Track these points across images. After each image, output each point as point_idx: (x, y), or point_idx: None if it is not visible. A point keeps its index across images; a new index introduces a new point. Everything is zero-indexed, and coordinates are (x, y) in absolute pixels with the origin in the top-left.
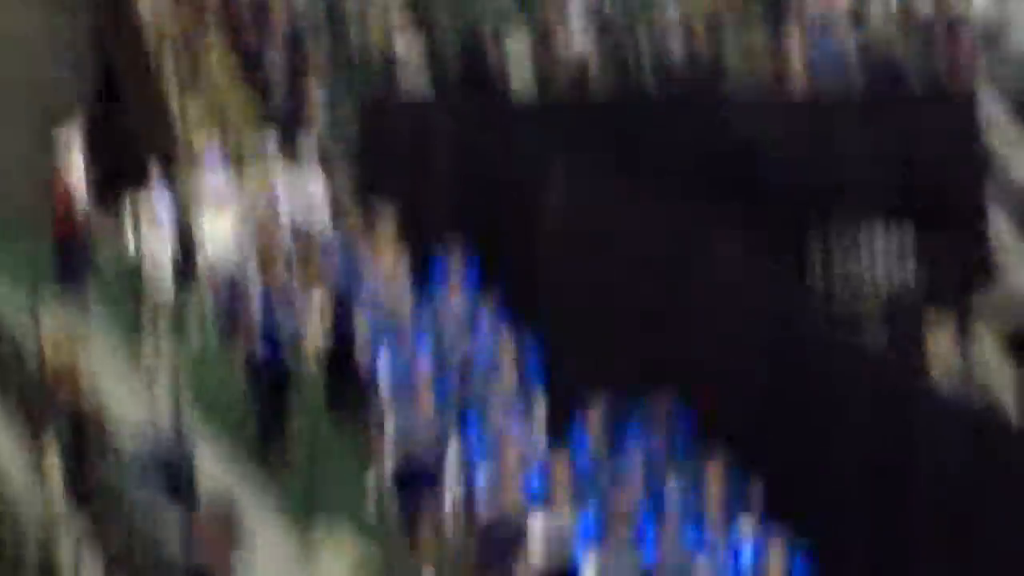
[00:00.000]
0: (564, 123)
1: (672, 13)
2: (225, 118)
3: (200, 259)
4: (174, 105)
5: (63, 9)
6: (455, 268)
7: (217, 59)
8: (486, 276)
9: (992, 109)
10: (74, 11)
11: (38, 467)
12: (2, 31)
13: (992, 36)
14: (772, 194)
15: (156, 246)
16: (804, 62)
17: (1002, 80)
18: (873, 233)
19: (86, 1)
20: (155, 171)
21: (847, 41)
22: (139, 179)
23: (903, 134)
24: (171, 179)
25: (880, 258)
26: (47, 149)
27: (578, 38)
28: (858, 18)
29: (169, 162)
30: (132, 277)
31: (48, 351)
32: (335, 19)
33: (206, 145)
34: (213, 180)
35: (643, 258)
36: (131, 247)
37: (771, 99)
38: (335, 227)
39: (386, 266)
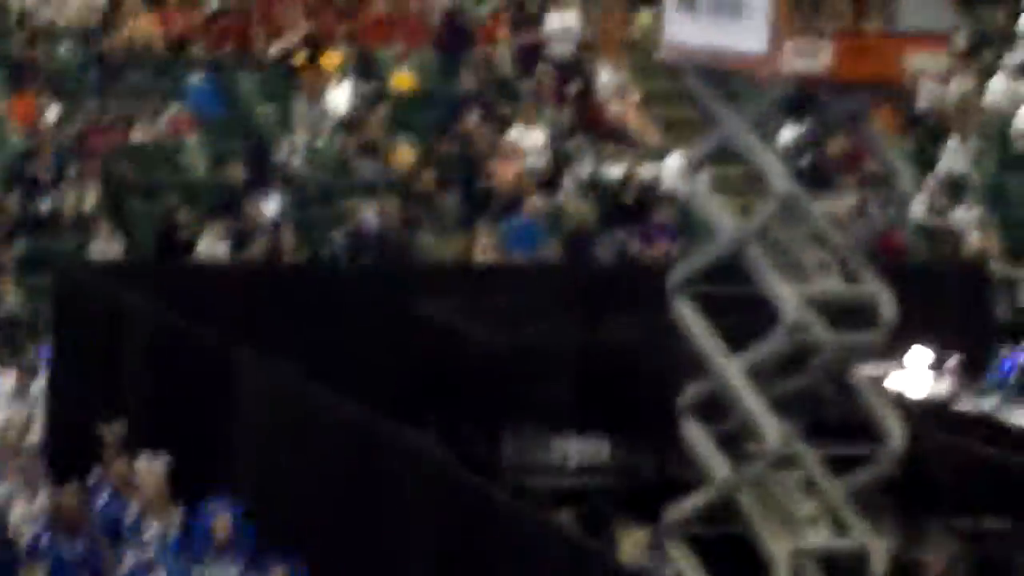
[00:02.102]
0: (257, 291)
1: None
2: None
3: None
4: None
5: None
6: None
7: None
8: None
9: None
10: None
11: None
12: None
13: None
14: (463, 384)
15: None
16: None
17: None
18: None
19: None
20: None
21: (537, 213)
22: None
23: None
24: None
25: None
26: None
27: (272, 205)
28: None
29: None
30: None
31: None
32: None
33: None
34: None
35: (331, 455)
36: None
37: (458, 271)
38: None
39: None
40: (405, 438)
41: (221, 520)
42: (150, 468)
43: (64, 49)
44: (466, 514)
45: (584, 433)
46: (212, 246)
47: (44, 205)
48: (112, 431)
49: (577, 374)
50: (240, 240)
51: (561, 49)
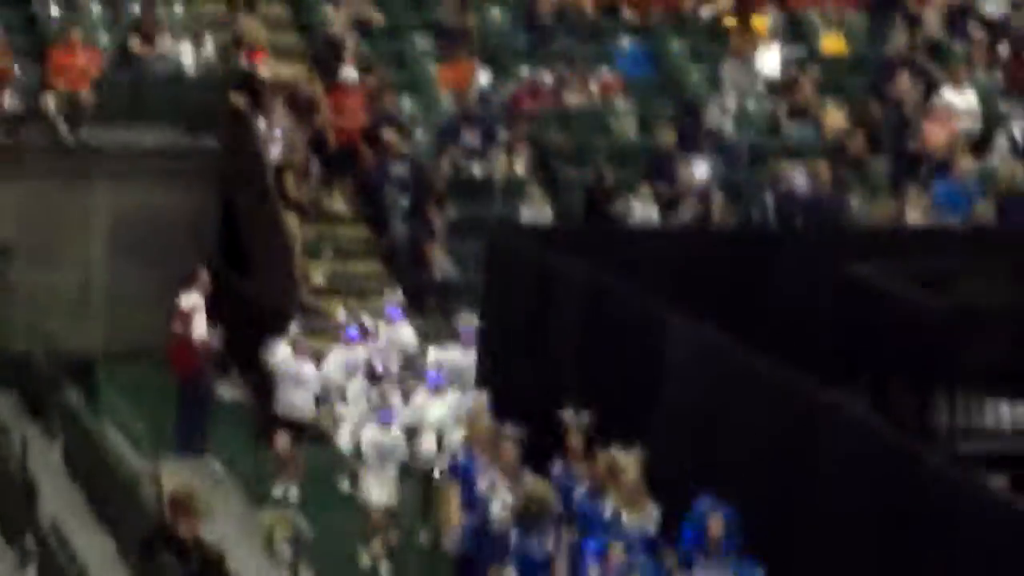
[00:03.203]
0: (685, 254)
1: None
2: (351, 283)
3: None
4: (300, 270)
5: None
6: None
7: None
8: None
9: None
10: (206, 191)
11: None
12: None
13: None
14: (895, 346)
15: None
16: (926, 198)
17: None
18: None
19: (217, 178)
20: (294, 331)
21: (969, 175)
22: (265, 335)
23: None
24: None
25: (1008, 426)
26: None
27: (701, 168)
28: (980, 151)
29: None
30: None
31: (167, 484)
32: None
33: (342, 318)
34: (351, 354)
35: (763, 429)
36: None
37: (891, 233)
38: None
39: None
40: (839, 404)
41: (715, 520)
42: (628, 461)
43: (495, 14)
44: (898, 478)
45: (1019, 397)
46: (642, 210)
47: (475, 170)
48: (579, 420)
49: (1011, 336)
50: (670, 203)
51: (992, 9)
